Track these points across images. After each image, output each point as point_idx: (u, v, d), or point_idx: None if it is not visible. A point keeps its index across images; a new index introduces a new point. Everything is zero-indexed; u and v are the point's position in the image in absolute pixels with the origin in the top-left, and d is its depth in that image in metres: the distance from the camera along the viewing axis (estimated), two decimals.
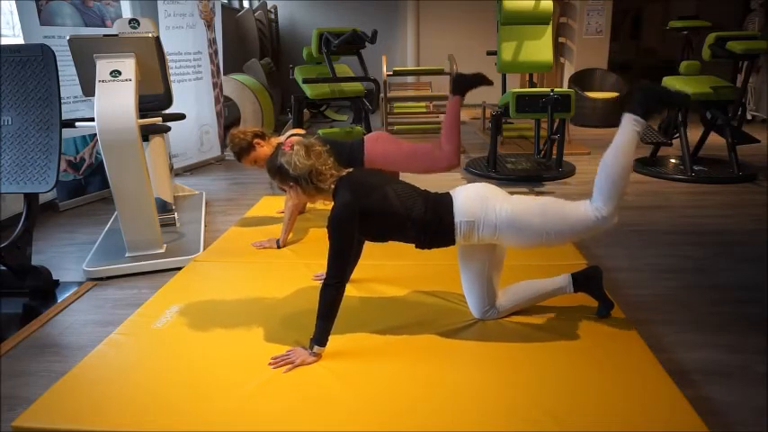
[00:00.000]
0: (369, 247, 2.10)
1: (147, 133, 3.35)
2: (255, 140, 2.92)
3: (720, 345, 2.02)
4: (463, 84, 3.07)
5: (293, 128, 5.17)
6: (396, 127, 6.43)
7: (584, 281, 2.08)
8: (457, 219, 1.86)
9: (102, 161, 3.41)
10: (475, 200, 1.88)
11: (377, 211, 1.85)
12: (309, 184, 1.88)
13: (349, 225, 1.82)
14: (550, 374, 1.75)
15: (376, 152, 2.89)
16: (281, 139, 3.02)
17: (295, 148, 1.90)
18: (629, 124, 1.88)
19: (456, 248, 2.01)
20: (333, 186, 1.89)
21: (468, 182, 2.03)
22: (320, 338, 1.83)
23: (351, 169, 1.97)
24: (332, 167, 1.91)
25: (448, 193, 1.96)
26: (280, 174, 1.92)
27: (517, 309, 2.09)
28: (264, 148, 2.93)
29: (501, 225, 1.84)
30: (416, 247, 1.96)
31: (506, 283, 2.11)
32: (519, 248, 1.96)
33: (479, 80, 3.14)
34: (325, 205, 1.97)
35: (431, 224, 1.88)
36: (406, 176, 2.77)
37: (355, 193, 1.84)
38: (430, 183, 2.26)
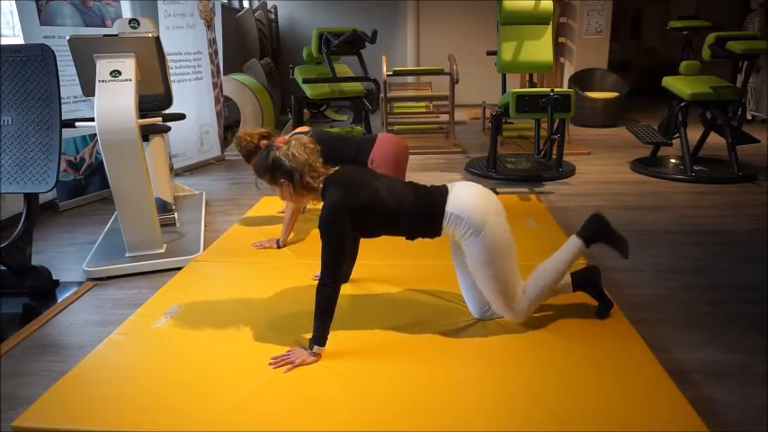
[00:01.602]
0: (368, 247, 2.10)
1: (147, 133, 3.35)
2: (262, 142, 2.94)
3: (720, 345, 2.02)
4: None
5: (293, 128, 5.18)
6: (396, 127, 6.43)
7: (584, 280, 2.08)
8: (448, 209, 1.87)
9: (102, 161, 3.41)
10: (474, 199, 1.89)
11: (368, 208, 1.85)
12: (302, 179, 1.85)
13: (341, 223, 1.81)
14: (550, 374, 1.75)
15: (388, 140, 2.94)
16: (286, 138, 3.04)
17: (292, 142, 1.90)
18: (574, 244, 2.02)
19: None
20: (321, 186, 1.88)
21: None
22: (319, 338, 1.83)
23: (337, 168, 1.95)
24: (322, 166, 1.91)
25: (444, 186, 1.97)
26: (271, 170, 1.87)
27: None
28: None
29: (486, 237, 1.85)
30: (407, 238, 1.97)
31: None
32: (471, 268, 1.94)
33: None
34: (314, 205, 1.96)
35: (420, 215, 1.89)
36: (413, 167, 2.76)
37: (345, 191, 1.84)
38: (431, 181, 2.25)
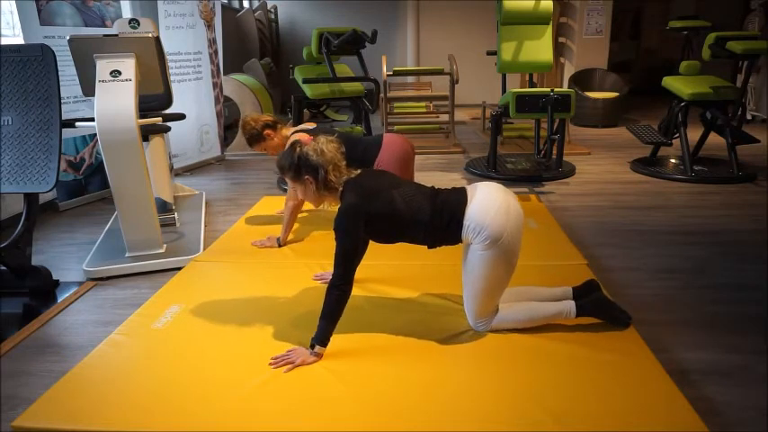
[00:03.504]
0: (371, 247, 2.10)
1: (147, 133, 3.35)
2: (266, 131, 3.01)
3: (720, 345, 2.02)
4: None
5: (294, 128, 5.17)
6: (396, 127, 6.43)
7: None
8: (468, 219, 1.86)
9: (102, 161, 3.41)
10: (495, 209, 1.85)
11: (383, 215, 1.84)
12: (326, 176, 1.85)
13: (355, 227, 1.82)
14: (550, 374, 1.75)
15: (394, 142, 2.97)
16: (291, 131, 3.06)
17: (321, 139, 1.90)
18: (567, 308, 2.00)
19: (461, 250, 2.00)
20: (340, 188, 1.89)
21: (469, 182, 2.02)
22: (322, 338, 1.83)
23: (359, 171, 1.96)
24: (345, 167, 1.91)
25: (462, 191, 1.93)
26: (296, 167, 1.87)
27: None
28: (274, 140, 3.01)
29: (497, 251, 1.84)
30: (428, 247, 1.97)
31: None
32: (467, 268, 1.94)
33: None
34: (331, 207, 1.96)
35: (438, 225, 1.88)
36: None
37: (362, 197, 1.84)
38: (430, 182, 2.25)
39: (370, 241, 2.02)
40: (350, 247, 1.82)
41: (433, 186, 2.01)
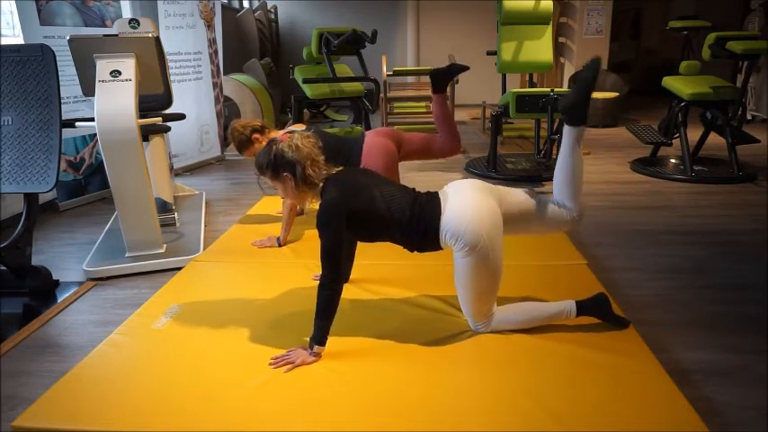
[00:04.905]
0: (369, 247, 2.10)
1: (147, 133, 3.35)
2: (254, 136, 2.99)
3: (720, 345, 2.02)
4: (440, 79, 3.04)
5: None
6: (396, 127, 6.43)
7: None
8: (444, 227, 1.85)
9: (102, 161, 3.41)
10: (470, 214, 1.83)
11: (362, 212, 1.84)
12: (304, 172, 1.84)
13: (336, 223, 1.81)
14: (550, 375, 1.75)
15: (375, 144, 2.93)
16: (280, 133, 3.06)
17: (296, 135, 1.90)
18: (568, 308, 2.00)
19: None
20: (321, 185, 1.88)
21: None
22: (320, 338, 1.83)
23: (341, 168, 1.95)
24: (324, 162, 1.91)
25: (435, 199, 1.92)
26: (273, 165, 1.86)
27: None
28: (263, 144, 2.98)
29: (478, 255, 1.83)
30: (409, 251, 1.97)
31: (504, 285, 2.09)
32: (456, 276, 1.93)
33: (455, 70, 3.12)
34: (314, 204, 1.96)
35: (416, 230, 1.87)
36: (412, 167, 2.75)
37: (342, 193, 1.84)
38: (430, 182, 2.25)
39: (369, 243, 2.02)
40: (334, 243, 1.81)
41: (413, 189, 2.02)
